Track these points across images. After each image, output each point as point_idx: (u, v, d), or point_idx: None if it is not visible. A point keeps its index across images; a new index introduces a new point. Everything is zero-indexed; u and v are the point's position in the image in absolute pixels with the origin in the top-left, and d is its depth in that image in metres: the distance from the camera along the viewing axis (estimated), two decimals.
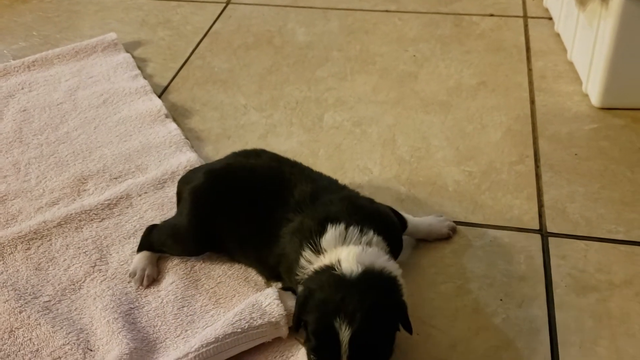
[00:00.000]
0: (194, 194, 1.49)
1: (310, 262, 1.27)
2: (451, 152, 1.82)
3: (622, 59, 1.82)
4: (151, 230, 1.56)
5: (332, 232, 1.28)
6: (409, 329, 1.21)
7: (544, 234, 1.55)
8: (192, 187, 1.50)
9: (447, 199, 1.67)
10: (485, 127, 1.90)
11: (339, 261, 1.22)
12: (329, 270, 1.22)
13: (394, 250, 1.35)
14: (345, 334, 1.12)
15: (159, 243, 1.52)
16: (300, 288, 1.27)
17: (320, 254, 1.27)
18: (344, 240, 1.27)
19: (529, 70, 2.14)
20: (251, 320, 1.31)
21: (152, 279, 1.49)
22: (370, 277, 1.20)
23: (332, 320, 1.13)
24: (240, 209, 1.44)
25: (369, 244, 1.28)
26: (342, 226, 1.29)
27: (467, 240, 1.55)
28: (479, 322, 1.36)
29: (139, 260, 1.52)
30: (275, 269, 1.40)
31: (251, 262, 1.49)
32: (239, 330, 1.30)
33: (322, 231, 1.29)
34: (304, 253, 1.29)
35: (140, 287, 1.48)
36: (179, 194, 1.57)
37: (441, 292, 1.43)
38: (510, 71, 2.14)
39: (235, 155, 1.60)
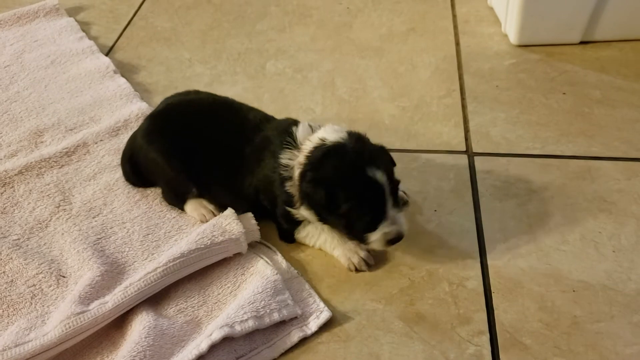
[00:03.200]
0: (148, 137, 1.56)
1: (292, 159, 1.41)
2: (386, 90, 1.98)
3: (534, 1, 2.01)
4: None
5: (301, 129, 1.45)
6: (393, 162, 1.45)
7: (470, 154, 1.73)
8: (143, 132, 1.58)
9: (384, 130, 1.83)
10: (416, 67, 2.07)
11: (323, 139, 1.39)
12: (321, 146, 1.38)
13: None
14: (380, 176, 1.32)
15: (172, 194, 1.60)
16: (290, 186, 1.41)
17: (298, 149, 1.41)
18: (312, 132, 1.44)
19: (454, 16, 2.32)
20: (213, 238, 1.44)
21: (213, 210, 1.56)
22: (356, 136, 1.40)
23: (364, 172, 1.32)
24: (198, 139, 1.52)
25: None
26: (305, 124, 1.46)
27: (403, 164, 1.71)
28: (417, 227, 1.53)
29: (190, 211, 1.58)
30: (250, 183, 1.49)
31: (227, 192, 1.55)
32: (202, 246, 1.42)
33: (291, 133, 1.44)
34: (282, 156, 1.42)
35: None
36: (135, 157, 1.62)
37: None
38: (437, 17, 2.31)
39: (169, 97, 1.68)
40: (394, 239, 1.36)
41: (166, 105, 1.64)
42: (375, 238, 1.36)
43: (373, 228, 1.36)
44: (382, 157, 1.39)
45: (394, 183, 1.36)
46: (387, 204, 1.34)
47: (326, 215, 1.39)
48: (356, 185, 1.33)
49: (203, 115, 1.56)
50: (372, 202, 1.33)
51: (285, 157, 1.42)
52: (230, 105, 1.59)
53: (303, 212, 1.42)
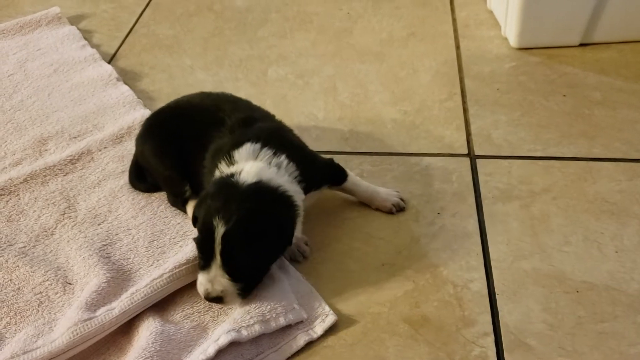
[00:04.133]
0: (142, 138, 1.63)
1: (222, 173, 1.41)
2: (387, 95, 1.99)
3: (534, 3, 2.03)
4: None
5: (246, 148, 1.41)
6: (287, 242, 1.36)
7: (473, 157, 1.74)
8: (139, 133, 1.65)
9: (386, 134, 1.84)
10: (417, 71, 2.08)
11: (239, 172, 1.36)
12: (228, 178, 1.36)
13: (308, 183, 1.45)
14: (219, 230, 1.27)
15: (171, 195, 1.63)
16: None
17: (232, 165, 1.40)
18: (255, 157, 1.40)
19: (453, 20, 2.33)
20: None
21: None
22: (260, 189, 1.33)
23: (210, 218, 1.28)
24: (186, 138, 1.55)
25: (277, 166, 1.40)
26: (258, 145, 1.42)
27: (405, 167, 1.72)
28: (419, 231, 1.54)
29: (190, 212, 1.58)
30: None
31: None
32: None
33: (239, 147, 1.42)
34: (219, 165, 1.42)
35: None
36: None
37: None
38: (437, 22, 2.32)
39: (175, 99, 1.72)
40: (205, 295, 1.33)
41: (161, 108, 1.68)
42: (198, 281, 1.35)
43: (200, 269, 1.34)
44: (249, 225, 1.29)
45: (243, 254, 1.29)
46: (214, 259, 1.30)
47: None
48: (201, 225, 1.32)
49: (194, 116, 1.59)
50: (202, 245, 1.32)
51: (220, 169, 1.42)
52: (219, 106, 1.58)
53: None
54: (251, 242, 1.29)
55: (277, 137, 1.48)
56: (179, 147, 1.55)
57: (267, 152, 1.41)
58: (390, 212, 1.57)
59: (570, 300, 1.36)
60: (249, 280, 1.33)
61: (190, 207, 1.58)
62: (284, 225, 1.35)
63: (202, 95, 1.69)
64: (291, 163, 1.42)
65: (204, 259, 1.32)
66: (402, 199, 1.59)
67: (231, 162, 1.41)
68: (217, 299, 1.32)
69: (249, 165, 1.38)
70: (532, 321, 1.33)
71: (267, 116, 1.62)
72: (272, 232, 1.32)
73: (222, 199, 1.31)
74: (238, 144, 1.43)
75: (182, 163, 1.56)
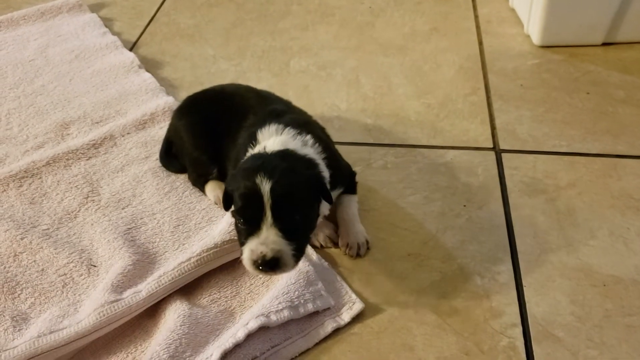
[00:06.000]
0: (179, 113, 1.65)
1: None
2: (411, 88, 1.99)
3: (558, 2, 2.02)
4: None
5: (270, 127, 1.40)
6: (328, 200, 1.32)
7: (498, 151, 1.73)
8: (177, 108, 1.67)
9: (410, 127, 1.84)
10: (440, 66, 2.08)
11: (265, 147, 1.34)
12: (256, 153, 1.34)
13: (333, 175, 1.41)
14: (265, 187, 1.21)
15: (195, 174, 1.64)
16: None
17: (257, 145, 1.38)
18: (279, 135, 1.39)
19: (476, 16, 2.33)
20: None
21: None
22: (290, 154, 1.31)
23: (253, 179, 1.23)
24: (219, 124, 1.55)
25: (303, 142, 1.38)
26: (282, 125, 1.40)
27: (430, 159, 1.72)
28: (446, 222, 1.53)
29: (209, 192, 1.61)
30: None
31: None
32: (235, 237, 1.42)
33: (262, 127, 1.41)
34: (247, 151, 1.40)
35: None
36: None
37: (410, 202, 1.60)
38: (459, 18, 2.32)
39: (213, 86, 1.72)
40: (258, 262, 1.22)
41: (202, 90, 1.68)
42: (244, 254, 1.25)
43: (244, 239, 1.26)
44: (292, 177, 1.26)
45: (292, 207, 1.24)
46: (264, 220, 1.23)
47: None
48: (241, 191, 1.25)
49: (229, 104, 1.59)
50: (248, 211, 1.25)
51: (249, 152, 1.39)
52: (257, 95, 1.60)
53: None
54: (298, 195, 1.25)
55: (306, 124, 1.47)
56: (212, 131, 1.56)
57: (291, 131, 1.39)
58: (344, 247, 1.47)
59: (598, 294, 1.36)
60: (300, 239, 1.26)
61: (209, 188, 1.60)
62: (321, 180, 1.32)
63: (237, 86, 1.70)
64: (317, 144, 1.40)
65: (251, 224, 1.24)
66: (367, 246, 1.48)
67: (255, 142, 1.39)
68: (272, 261, 1.21)
69: (273, 139, 1.36)
70: (559, 313, 1.32)
71: (300, 111, 1.61)
72: (312, 186, 1.30)
73: (256, 164, 1.27)
74: (263, 126, 1.42)
75: (212, 147, 1.56)
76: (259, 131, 1.41)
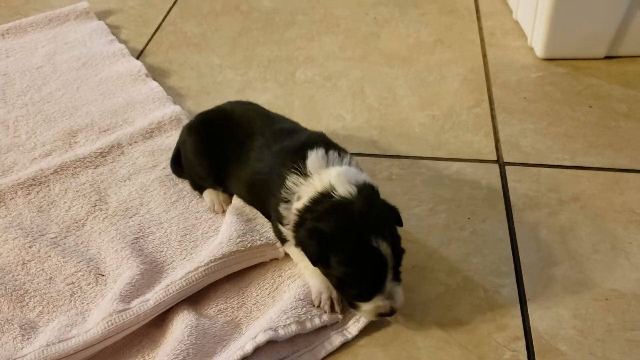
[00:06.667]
0: (188, 130, 1.65)
1: (297, 185, 1.34)
2: (415, 99, 2.01)
3: (561, 15, 2.04)
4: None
5: (314, 155, 1.37)
6: (401, 224, 1.36)
7: (501, 164, 1.75)
8: (188, 124, 1.67)
9: (415, 138, 1.86)
10: (444, 77, 2.10)
11: (332, 186, 1.29)
12: (328, 199, 1.28)
13: None
14: (385, 249, 1.23)
15: (195, 185, 1.68)
16: (284, 209, 1.35)
17: (307, 177, 1.34)
18: (327, 163, 1.37)
19: (480, 28, 2.35)
20: (252, 241, 1.46)
21: (223, 203, 1.62)
22: (366, 194, 1.30)
23: (368, 243, 1.22)
24: (228, 142, 1.56)
25: (349, 164, 1.39)
26: (322, 150, 1.39)
27: (434, 172, 1.74)
28: (450, 235, 1.55)
29: (206, 196, 1.64)
30: (251, 187, 1.50)
31: (237, 188, 1.58)
32: (243, 248, 1.44)
33: (304, 156, 1.38)
34: (289, 177, 1.35)
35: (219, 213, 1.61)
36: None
37: (415, 214, 1.61)
38: (463, 29, 2.34)
39: (228, 102, 1.73)
40: (385, 314, 1.29)
41: (215, 108, 1.69)
42: (367, 309, 1.28)
43: (366, 299, 1.27)
44: (390, 222, 1.30)
45: (399, 253, 1.28)
46: (387, 278, 1.26)
47: (316, 266, 1.32)
48: (357, 253, 1.23)
49: (240, 124, 1.58)
50: (371, 274, 1.25)
51: (291, 180, 1.35)
52: (266, 115, 1.62)
53: (293, 245, 1.38)
54: (399, 239, 1.30)
55: (329, 141, 1.48)
56: (217, 151, 1.56)
57: (334, 155, 1.38)
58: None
59: (600, 308, 1.37)
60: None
61: (207, 194, 1.63)
62: (397, 212, 1.35)
63: (246, 107, 1.67)
64: (354, 159, 1.42)
65: (371, 286, 1.26)
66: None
67: (304, 173, 1.34)
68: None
69: (332, 175, 1.32)
70: (562, 327, 1.34)
71: (304, 129, 1.60)
72: (396, 220, 1.34)
73: (355, 221, 1.24)
74: (302, 154, 1.37)
75: (216, 167, 1.58)
76: (306, 162, 1.36)
